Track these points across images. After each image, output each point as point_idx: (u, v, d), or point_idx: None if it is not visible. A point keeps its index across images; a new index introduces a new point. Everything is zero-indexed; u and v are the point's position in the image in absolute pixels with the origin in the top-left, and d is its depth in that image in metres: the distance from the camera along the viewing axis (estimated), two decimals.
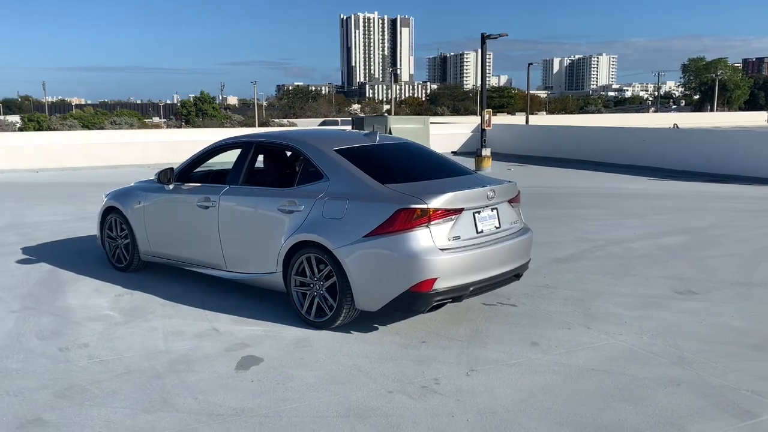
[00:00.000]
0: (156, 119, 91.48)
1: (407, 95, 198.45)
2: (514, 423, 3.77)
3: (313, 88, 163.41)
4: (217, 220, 5.99)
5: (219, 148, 6.50)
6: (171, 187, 6.52)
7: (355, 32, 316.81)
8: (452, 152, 24.69)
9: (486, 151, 18.90)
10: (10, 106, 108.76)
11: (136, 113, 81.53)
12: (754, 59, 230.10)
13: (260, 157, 6.47)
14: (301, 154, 5.74)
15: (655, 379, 4.36)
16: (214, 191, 6.11)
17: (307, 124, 57.08)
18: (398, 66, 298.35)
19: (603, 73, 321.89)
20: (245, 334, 5.23)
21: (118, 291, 6.47)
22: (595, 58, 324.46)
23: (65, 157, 19.99)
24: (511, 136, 24.87)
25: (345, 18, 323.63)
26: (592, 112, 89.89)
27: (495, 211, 5.40)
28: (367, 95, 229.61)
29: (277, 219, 5.53)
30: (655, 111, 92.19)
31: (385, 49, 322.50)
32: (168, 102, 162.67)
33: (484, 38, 19.66)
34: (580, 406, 3.97)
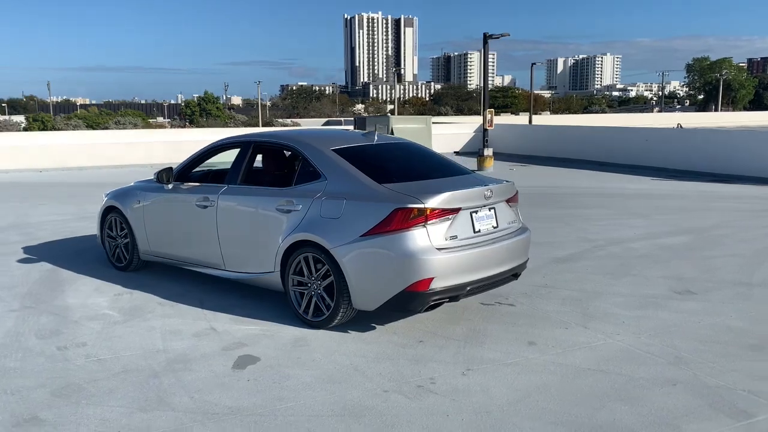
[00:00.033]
0: (160, 119, 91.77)
1: (411, 95, 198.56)
2: (509, 422, 3.77)
3: (317, 88, 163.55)
4: (216, 220, 6.00)
5: (218, 148, 6.52)
6: (170, 186, 6.54)
7: (359, 32, 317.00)
8: (455, 152, 24.68)
9: (488, 151, 18.88)
10: (15, 107, 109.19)
11: (141, 113, 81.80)
12: (759, 59, 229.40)
13: (259, 157, 6.49)
14: (299, 154, 5.75)
15: (652, 379, 4.35)
16: (212, 191, 6.13)
17: (311, 124, 57.20)
18: (402, 66, 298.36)
19: (607, 73, 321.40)
20: (243, 334, 5.24)
21: (117, 290, 6.49)
22: (600, 58, 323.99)
23: (69, 157, 20.06)
24: (513, 136, 24.85)
25: (349, 18, 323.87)
26: (597, 112, 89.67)
27: (492, 210, 5.39)
28: (371, 95, 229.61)
29: (275, 218, 5.54)
30: (660, 111, 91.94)
31: (389, 49, 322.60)
32: (172, 102, 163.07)
33: (486, 38, 19.65)
34: (575, 406, 3.97)
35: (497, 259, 5.32)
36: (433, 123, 23.20)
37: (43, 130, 47.51)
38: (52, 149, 20.31)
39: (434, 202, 4.93)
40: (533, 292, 6.34)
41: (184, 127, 58.48)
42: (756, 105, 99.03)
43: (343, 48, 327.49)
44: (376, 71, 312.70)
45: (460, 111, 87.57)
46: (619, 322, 5.49)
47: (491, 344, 5.00)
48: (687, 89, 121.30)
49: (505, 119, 51.04)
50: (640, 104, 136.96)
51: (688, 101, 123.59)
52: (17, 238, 9.10)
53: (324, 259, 5.16)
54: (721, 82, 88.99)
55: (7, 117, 74.14)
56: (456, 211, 5.05)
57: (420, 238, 4.87)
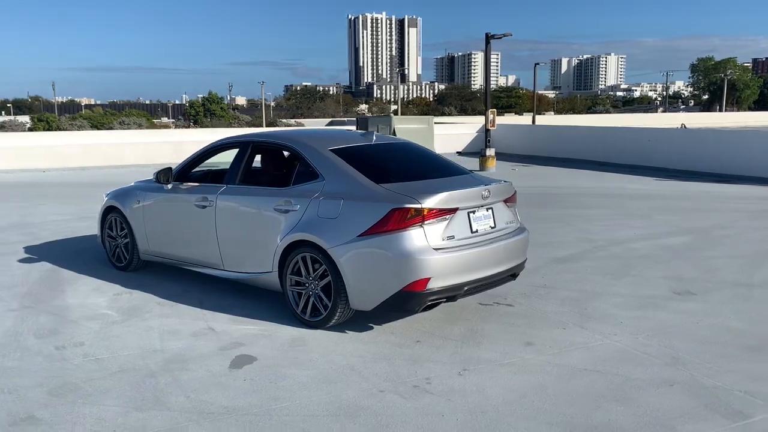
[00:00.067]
0: (165, 119, 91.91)
1: (415, 95, 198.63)
2: (504, 423, 3.77)
3: (321, 89, 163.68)
4: (215, 220, 6.02)
5: (217, 148, 6.53)
6: (169, 186, 6.55)
7: (363, 32, 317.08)
8: (457, 152, 24.67)
9: (490, 151, 18.87)
10: (20, 107, 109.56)
11: (145, 113, 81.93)
12: (764, 59, 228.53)
13: (258, 157, 6.50)
14: (297, 154, 5.76)
15: (648, 379, 4.34)
16: (211, 191, 6.14)
17: (315, 125, 57.17)
18: (406, 66, 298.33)
19: (611, 73, 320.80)
20: (241, 333, 5.25)
21: (117, 290, 6.50)
22: (604, 58, 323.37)
23: (72, 157, 20.10)
24: (515, 136, 24.83)
25: (353, 18, 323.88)
26: (601, 112, 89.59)
27: (490, 210, 5.39)
28: (375, 95, 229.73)
29: (273, 218, 5.54)
30: (664, 111, 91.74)
31: (393, 49, 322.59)
32: (177, 102, 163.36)
33: (488, 38, 19.63)
34: (570, 407, 3.96)
35: (495, 260, 5.32)
36: (435, 123, 23.19)
37: (48, 130, 47.64)
38: (55, 149, 20.36)
39: (431, 202, 4.93)
40: (532, 293, 6.33)
41: (188, 127, 58.51)
42: (761, 105, 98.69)
43: (347, 48, 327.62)
44: (379, 71, 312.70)
45: (463, 111, 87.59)
46: (617, 323, 5.48)
47: (488, 344, 5.00)
48: (691, 89, 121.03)
49: (509, 119, 51.01)
50: (645, 104, 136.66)
51: (692, 101, 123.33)
52: (18, 238, 9.13)
53: (321, 259, 5.16)
54: (726, 82, 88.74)
55: (12, 117, 74.42)
56: (453, 211, 5.05)
57: (417, 238, 4.87)
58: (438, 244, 4.94)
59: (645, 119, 56.03)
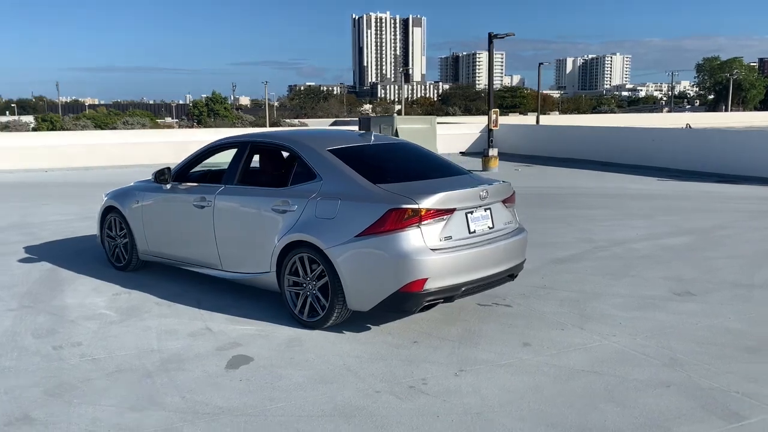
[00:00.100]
0: (168, 119, 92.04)
1: (419, 95, 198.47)
2: (499, 424, 3.76)
3: (325, 89, 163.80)
4: (213, 220, 6.02)
5: (215, 148, 6.53)
6: (168, 186, 6.56)
7: (367, 32, 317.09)
8: (460, 152, 24.65)
9: (493, 152, 18.83)
10: (24, 107, 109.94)
11: (149, 113, 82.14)
12: None
13: (257, 157, 6.50)
14: (295, 154, 5.76)
15: (645, 380, 4.32)
16: (209, 191, 6.14)
17: (319, 125, 57.20)
18: (410, 66, 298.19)
19: (617, 72, 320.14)
20: (238, 334, 5.25)
21: (115, 290, 6.51)
22: (609, 58, 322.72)
23: (75, 156, 20.15)
24: (518, 136, 24.79)
25: (357, 18, 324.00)
26: (606, 112, 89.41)
27: (488, 211, 5.38)
28: (379, 95, 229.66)
29: (270, 219, 5.54)
30: (669, 111, 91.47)
31: (397, 49, 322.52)
32: (180, 102, 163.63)
33: (491, 38, 19.59)
34: (566, 408, 3.95)
35: (493, 260, 5.31)
36: (438, 123, 23.18)
37: (52, 130, 47.78)
38: (57, 149, 20.42)
39: (428, 202, 4.92)
40: (531, 293, 6.32)
41: (192, 127, 58.55)
42: (767, 105, 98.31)
43: (351, 48, 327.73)
44: (384, 71, 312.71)
45: (468, 111, 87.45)
46: (615, 324, 5.46)
47: (486, 345, 4.98)
48: (697, 89, 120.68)
49: (514, 119, 50.94)
50: (650, 104, 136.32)
51: (698, 101, 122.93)
52: (19, 238, 9.16)
53: (319, 260, 5.15)
54: (731, 82, 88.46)
55: (16, 117, 74.68)
56: (451, 211, 5.04)
57: (414, 238, 4.86)
58: (435, 245, 4.93)
59: (650, 119, 55.90)
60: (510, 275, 5.61)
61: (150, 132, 28.78)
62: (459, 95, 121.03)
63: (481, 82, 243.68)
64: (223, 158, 6.56)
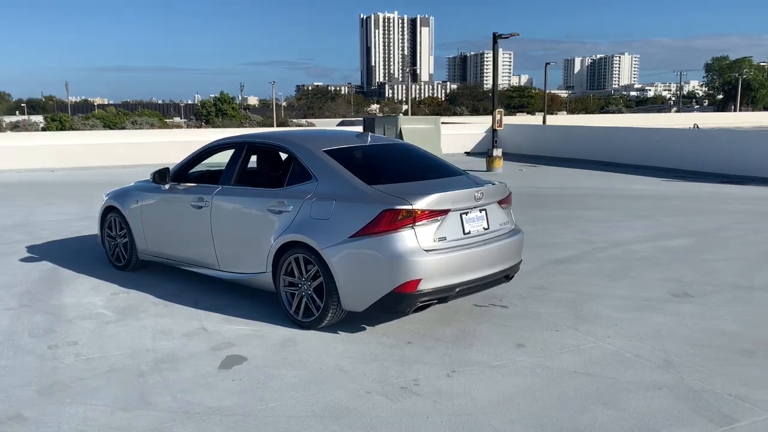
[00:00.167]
0: (177, 119, 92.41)
1: (427, 95, 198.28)
2: (488, 425, 3.75)
3: (333, 88, 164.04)
4: (210, 220, 6.04)
5: (214, 149, 6.56)
6: (167, 187, 6.59)
7: (375, 32, 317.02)
8: (465, 152, 24.63)
9: (497, 152, 18.79)
10: (34, 107, 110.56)
11: (157, 113, 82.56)
12: None
13: (255, 158, 6.52)
14: (291, 155, 5.77)
15: (638, 382, 4.31)
16: (207, 191, 6.16)
17: (326, 125, 57.32)
18: (418, 66, 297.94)
19: (625, 72, 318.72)
20: (233, 334, 5.27)
21: (114, 290, 6.54)
22: (617, 58, 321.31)
23: (81, 156, 20.26)
24: (523, 136, 24.74)
25: (365, 18, 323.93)
26: (614, 112, 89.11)
27: (483, 212, 5.37)
28: (387, 95, 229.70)
29: (266, 219, 5.56)
30: (678, 111, 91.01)
31: (405, 48, 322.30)
32: (189, 102, 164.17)
33: (495, 38, 19.56)
34: (556, 409, 3.94)
35: (488, 261, 5.30)
36: (443, 123, 23.17)
37: (61, 129, 48.08)
38: (64, 149, 20.53)
39: (422, 203, 4.92)
40: (528, 294, 6.30)
41: (200, 127, 58.79)
42: None
43: (359, 48, 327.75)
44: (391, 71, 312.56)
45: (475, 111, 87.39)
46: (611, 325, 5.44)
47: (479, 346, 4.98)
48: (706, 89, 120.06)
49: (521, 119, 50.85)
50: (658, 104, 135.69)
51: (707, 101, 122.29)
52: (22, 237, 9.22)
53: (314, 260, 5.17)
54: (740, 82, 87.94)
55: (26, 117, 75.17)
56: (445, 212, 5.03)
57: (408, 239, 4.86)
58: (429, 246, 4.93)
59: (657, 119, 55.60)
60: (506, 276, 5.60)
61: (155, 132, 28.92)
62: (466, 95, 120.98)
63: (489, 82, 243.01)
64: (224, 158, 6.58)
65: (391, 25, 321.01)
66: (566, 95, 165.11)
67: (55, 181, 17.14)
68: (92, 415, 3.90)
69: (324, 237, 5.08)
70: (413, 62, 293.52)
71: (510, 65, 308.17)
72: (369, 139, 6.06)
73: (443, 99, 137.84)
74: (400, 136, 18.65)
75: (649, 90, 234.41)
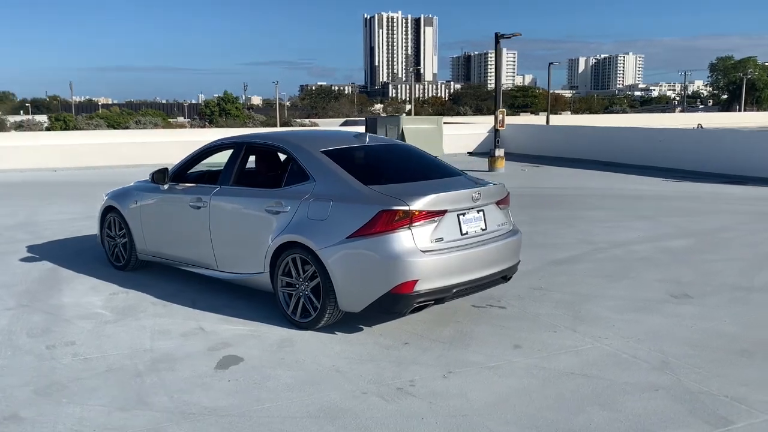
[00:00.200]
0: (180, 119, 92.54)
1: (431, 95, 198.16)
2: (483, 426, 3.75)
3: (336, 88, 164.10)
4: (209, 221, 6.05)
5: (212, 149, 6.57)
6: (166, 187, 6.60)
7: (378, 32, 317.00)
8: (468, 153, 24.61)
9: (499, 152, 18.76)
10: (38, 106, 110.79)
11: (161, 113, 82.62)
12: None
13: (253, 158, 6.53)
14: (289, 155, 5.77)
15: (634, 384, 4.30)
16: (205, 192, 6.17)
17: (329, 124, 57.27)
18: (421, 65, 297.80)
19: (629, 72, 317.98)
20: (230, 334, 5.27)
21: (113, 289, 6.56)
22: (622, 57, 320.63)
23: (84, 156, 20.30)
24: (526, 136, 24.71)
25: (368, 18, 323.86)
26: (618, 112, 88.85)
27: (481, 213, 5.37)
28: (390, 95, 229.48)
29: (264, 220, 5.56)
30: (682, 111, 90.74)
31: (409, 48, 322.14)
32: (193, 102, 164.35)
33: (498, 38, 19.54)
34: (552, 411, 3.93)
35: (485, 262, 5.29)
36: (446, 123, 23.16)
37: (65, 129, 48.21)
38: (67, 149, 20.58)
39: (419, 204, 4.92)
40: (527, 295, 6.30)
41: (203, 126, 58.89)
42: None
43: (363, 48, 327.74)
44: (395, 71, 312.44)
45: (479, 111, 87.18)
46: (609, 326, 5.43)
47: (476, 347, 4.98)
48: (710, 89, 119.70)
49: (525, 119, 50.72)
50: (662, 104, 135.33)
51: (711, 101, 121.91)
52: (23, 237, 9.24)
53: (311, 261, 5.17)
54: (745, 82, 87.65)
55: (30, 117, 75.37)
56: (442, 213, 5.03)
57: (405, 240, 4.86)
58: (426, 246, 4.93)
59: (661, 119, 55.41)
60: (503, 277, 5.59)
61: (159, 131, 28.96)
62: (470, 95, 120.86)
63: (493, 81, 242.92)
64: (224, 159, 6.58)
65: (395, 24, 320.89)
66: (570, 95, 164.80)
67: (59, 180, 17.18)
68: (89, 415, 3.91)
69: (321, 237, 5.09)
70: (417, 62, 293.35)
71: (514, 65, 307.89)
72: (367, 139, 6.06)
73: (447, 99, 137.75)
74: (402, 136, 18.65)
75: (654, 90, 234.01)
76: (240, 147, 6.20)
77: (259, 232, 5.57)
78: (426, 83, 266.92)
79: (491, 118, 37.65)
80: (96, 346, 5.04)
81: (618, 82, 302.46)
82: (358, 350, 4.91)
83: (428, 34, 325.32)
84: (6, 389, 4.27)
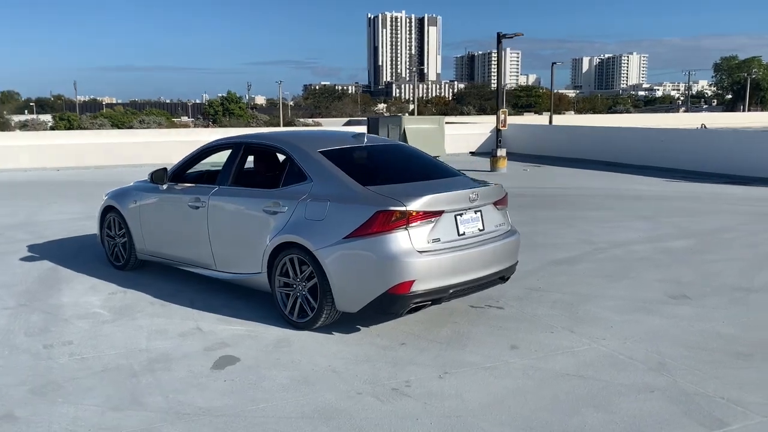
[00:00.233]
0: (184, 118, 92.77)
1: (434, 94, 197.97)
2: (477, 427, 3.75)
3: (340, 88, 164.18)
4: (207, 221, 6.05)
5: (211, 149, 6.58)
6: (165, 187, 6.61)
7: (382, 31, 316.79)
8: (470, 152, 24.59)
9: (501, 152, 18.74)
10: (43, 106, 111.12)
11: (165, 113, 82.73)
12: None
13: (252, 158, 6.53)
14: (287, 155, 5.77)
15: (630, 385, 4.29)
16: (204, 192, 6.18)
17: (333, 124, 57.33)
18: (425, 65, 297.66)
19: (633, 72, 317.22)
20: (228, 334, 5.28)
21: (112, 289, 6.57)
22: (626, 57, 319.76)
23: (87, 156, 20.33)
24: (528, 136, 24.68)
25: (372, 17, 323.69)
26: (621, 112, 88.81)
27: (479, 213, 5.36)
28: (394, 95, 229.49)
29: (262, 220, 5.56)
30: (686, 111, 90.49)
31: (413, 48, 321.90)
32: (197, 101, 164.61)
33: (499, 37, 19.52)
34: (547, 412, 3.93)
35: (483, 262, 5.29)
36: (448, 123, 23.14)
37: (70, 129, 48.31)
38: (69, 148, 20.61)
39: (416, 204, 4.91)
40: (526, 295, 6.29)
41: (207, 126, 58.98)
42: None
43: (366, 47, 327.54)
44: (399, 70, 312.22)
45: (482, 110, 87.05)
46: (607, 327, 5.42)
47: (473, 347, 4.97)
48: (714, 89, 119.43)
49: (528, 119, 50.67)
50: (666, 104, 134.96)
51: (715, 101, 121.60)
52: (24, 236, 9.27)
53: (308, 261, 5.17)
54: (749, 82, 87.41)
55: (34, 116, 75.61)
56: (439, 213, 5.03)
57: (401, 240, 4.86)
58: (423, 247, 4.93)
59: (665, 119, 55.29)
60: (501, 278, 5.58)
61: (162, 131, 29.00)
62: (473, 94, 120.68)
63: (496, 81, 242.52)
64: (223, 159, 6.59)
65: (399, 24, 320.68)
66: (574, 95, 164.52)
67: (60, 180, 17.21)
68: (83, 414, 3.92)
69: (318, 238, 5.09)
70: (420, 62, 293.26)
71: (518, 64, 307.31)
72: (365, 140, 6.06)
73: (450, 98, 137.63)
74: (404, 136, 18.64)
75: (658, 90, 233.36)
76: (238, 147, 6.21)
77: (257, 232, 5.57)
78: (429, 83, 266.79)
79: (494, 117, 37.62)
80: (93, 345, 5.05)
81: (622, 81, 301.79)
82: (354, 350, 4.91)
83: (432, 34, 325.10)
84: (2, 388, 4.28)
